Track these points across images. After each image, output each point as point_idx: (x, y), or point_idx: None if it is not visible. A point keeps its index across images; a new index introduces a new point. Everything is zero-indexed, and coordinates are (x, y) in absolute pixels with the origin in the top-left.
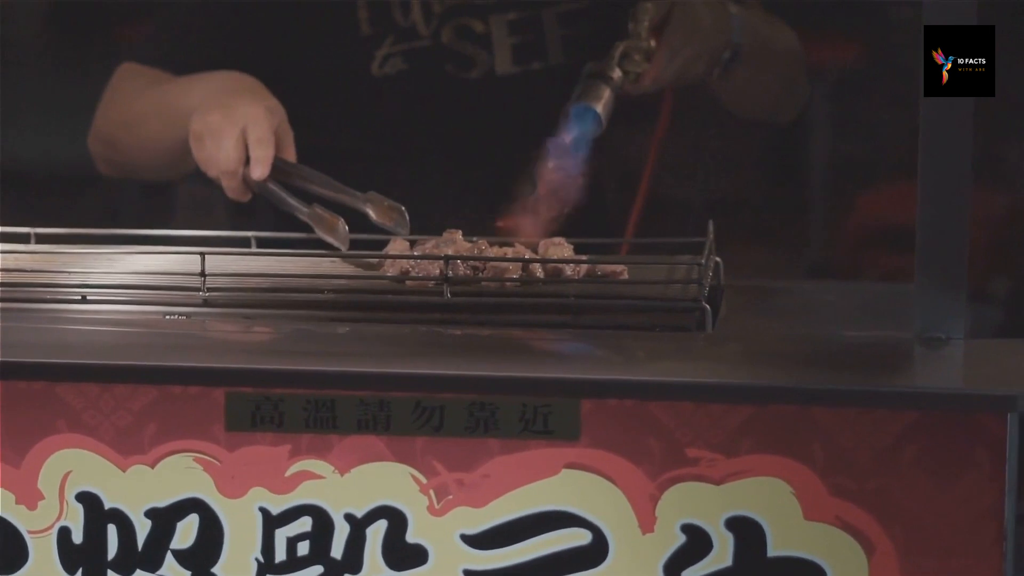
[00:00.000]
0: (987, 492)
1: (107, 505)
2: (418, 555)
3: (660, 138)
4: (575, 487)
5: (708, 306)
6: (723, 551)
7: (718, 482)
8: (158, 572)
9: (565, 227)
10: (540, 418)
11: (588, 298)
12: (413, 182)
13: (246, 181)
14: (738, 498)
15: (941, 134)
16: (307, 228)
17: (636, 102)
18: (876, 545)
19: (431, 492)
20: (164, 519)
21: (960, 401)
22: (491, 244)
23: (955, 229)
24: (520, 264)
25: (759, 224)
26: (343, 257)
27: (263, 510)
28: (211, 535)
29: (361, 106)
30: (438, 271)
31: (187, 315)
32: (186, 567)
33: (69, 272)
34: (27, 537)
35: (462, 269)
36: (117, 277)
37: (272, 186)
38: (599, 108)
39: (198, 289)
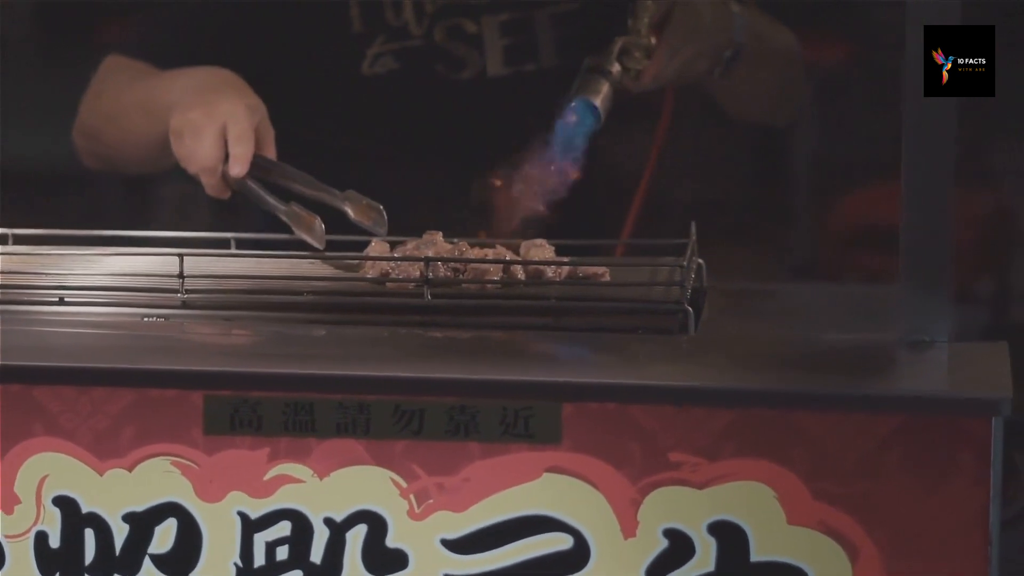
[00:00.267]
0: (972, 496)
1: (84, 509)
2: (398, 560)
3: (661, 139)
4: (556, 491)
5: (691, 308)
6: (706, 556)
7: (700, 486)
8: None
9: (555, 227)
10: (521, 421)
11: (570, 300)
12: (398, 182)
13: (226, 178)
14: (721, 503)
15: (925, 135)
16: (288, 229)
17: (632, 101)
18: (860, 550)
19: (411, 496)
20: (142, 523)
21: (945, 405)
22: (472, 246)
23: (939, 231)
24: (501, 266)
25: (742, 225)
26: (323, 259)
27: (242, 514)
28: (189, 539)
29: (350, 105)
30: (418, 273)
31: (165, 317)
32: (164, 572)
33: (46, 273)
34: (3, 542)
35: (442, 271)
36: (95, 279)
37: (251, 183)
38: (598, 102)
39: (177, 291)
